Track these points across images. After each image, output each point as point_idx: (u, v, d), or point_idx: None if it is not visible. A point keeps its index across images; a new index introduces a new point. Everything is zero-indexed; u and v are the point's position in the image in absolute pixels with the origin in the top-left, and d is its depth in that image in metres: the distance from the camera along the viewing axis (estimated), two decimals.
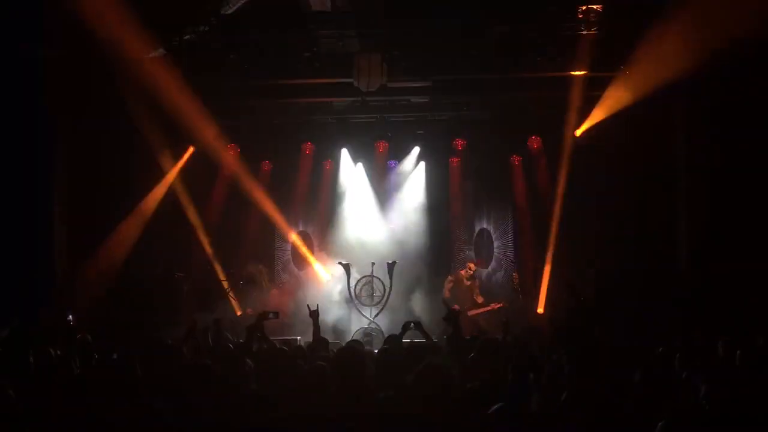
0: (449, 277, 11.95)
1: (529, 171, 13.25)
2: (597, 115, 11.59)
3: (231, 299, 12.07)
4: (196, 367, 4.39)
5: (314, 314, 6.88)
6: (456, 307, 11.31)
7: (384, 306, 11.49)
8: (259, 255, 13.38)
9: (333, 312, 11.79)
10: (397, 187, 13.76)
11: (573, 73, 10.55)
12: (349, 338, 10.41)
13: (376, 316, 11.38)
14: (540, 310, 11.57)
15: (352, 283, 11.80)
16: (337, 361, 4.31)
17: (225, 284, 12.24)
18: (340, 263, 12.15)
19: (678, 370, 5.07)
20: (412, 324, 6.47)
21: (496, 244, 13.65)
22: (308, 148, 13.32)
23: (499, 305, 11.48)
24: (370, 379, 4.32)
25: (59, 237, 10.81)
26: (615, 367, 4.99)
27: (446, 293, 11.59)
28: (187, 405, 3.83)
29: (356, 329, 11.31)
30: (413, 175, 13.73)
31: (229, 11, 10.25)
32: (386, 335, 9.08)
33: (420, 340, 6.80)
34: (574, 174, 12.21)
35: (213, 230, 12.99)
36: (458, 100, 12.56)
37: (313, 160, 13.67)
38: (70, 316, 9.33)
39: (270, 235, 13.88)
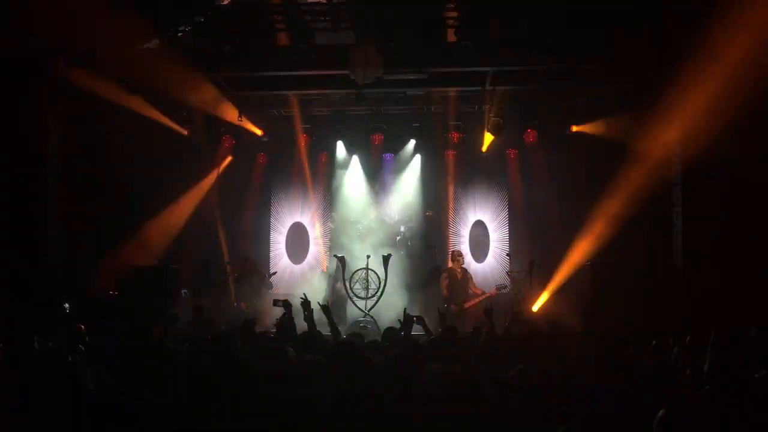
0: (444, 274, 11.96)
1: (525, 164, 13.27)
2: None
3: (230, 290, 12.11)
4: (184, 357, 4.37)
5: (306, 305, 6.42)
6: (453, 308, 11.33)
7: (379, 299, 11.48)
8: (254, 248, 13.41)
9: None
10: (393, 179, 13.75)
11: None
12: (343, 331, 10.39)
13: (371, 309, 11.36)
14: (535, 308, 11.53)
15: (347, 275, 11.79)
16: (334, 355, 4.29)
17: (228, 275, 12.25)
18: (335, 256, 12.16)
19: (674, 363, 5.09)
20: (414, 318, 6.42)
21: (492, 237, 13.67)
22: (304, 140, 13.29)
23: (493, 292, 11.57)
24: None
25: (54, 229, 10.75)
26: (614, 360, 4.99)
27: (444, 291, 11.58)
28: (175, 396, 3.82)
29: (351, 322, 11.30)
30: (409, 168, 13.72)
31: (224, 2, 10.19)
32: (381, 328, 9.08)
33: (420, 333, 6.81)
34: (571, 169, 12.25)
35: (209, 222, 12.99)
36: (454, 92, 12.54)
37: (309, 153, 13.64)
38: (66, 305, 9.30)
39: (266, 228, 13.91)
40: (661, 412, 3.18)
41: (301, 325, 6.47)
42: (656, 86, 9.96)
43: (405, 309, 6.61)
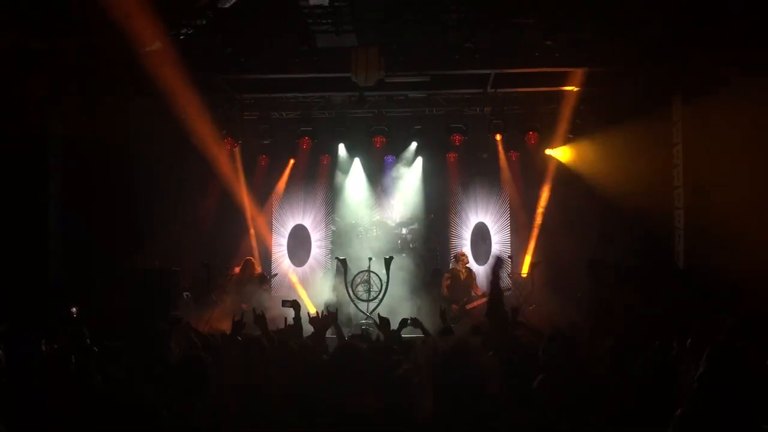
0: (446, 275, 11.97)
1: (526, 166, 13.29)
2: None
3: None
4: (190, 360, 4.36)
5: (294, 304, 6.68)
6: (455, 307, 11.34)
7: (381, 301, 11.48)
8: (255, 249, 13.43)
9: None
10: (395, 182, 13.76)
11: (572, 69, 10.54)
12: (344, 333, 10.37)
13: (372, 311, 11.36)
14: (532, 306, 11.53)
15: (349, 278, 11.80)
16: (336, 358, 4.27)
17: (228, 277, 12.25)
18: (336, 258, 12.17)
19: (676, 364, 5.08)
20: (409, 321, 6.45)
21: (494, 239, 13.68)
22: (306, 142, 13.30)
23: None
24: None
25: (55, 230, 10.77)
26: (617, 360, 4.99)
27: (444, 291, 11.61)
28: (182, 400, 3.83)
29: (353, 325, 11.29)
30: (410, 170, 13.73)
31: (226, 5, 10.20)
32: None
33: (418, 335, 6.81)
34: (572, 170, 12.28)
35: (210, 225, 13.01)
36: (456, 95, 12.56)
37: (311, 155, 13.66)
38: (74, 309, 9.30)
39: (267, 230, 13.91)
40: (679, 411, 3.19)
41: (307, 327, 6.50)
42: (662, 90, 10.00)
43: (379, 314, 6.63)
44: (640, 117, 10.99)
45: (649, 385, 4.19)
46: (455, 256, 12.25)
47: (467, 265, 12.05)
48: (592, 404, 3.81)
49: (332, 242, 13.70)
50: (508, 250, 13.32)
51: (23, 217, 10.14)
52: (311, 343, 5.91)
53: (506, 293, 11.62)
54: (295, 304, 6.67)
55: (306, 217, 14.03)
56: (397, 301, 11.45)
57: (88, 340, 6.24)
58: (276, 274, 13.02)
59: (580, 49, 10.13)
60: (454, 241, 13.77)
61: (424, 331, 6.62)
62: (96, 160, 11.02)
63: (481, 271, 13.31)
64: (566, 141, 12.59)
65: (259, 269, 12.53)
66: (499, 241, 13.62)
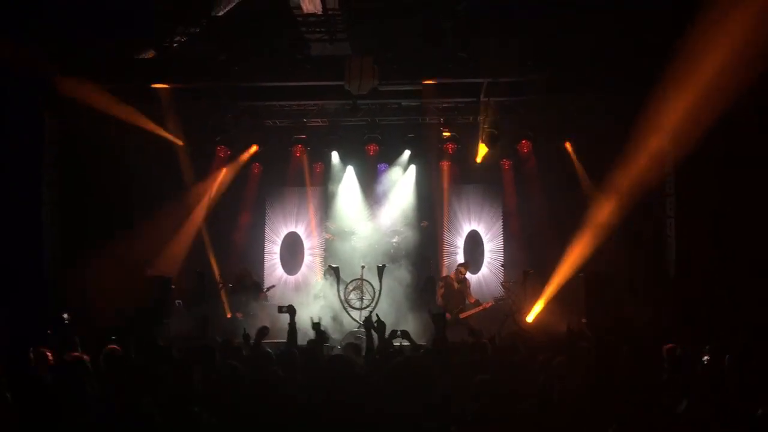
0: (440, 283, 11.97)
1: (519, 175, 13.32)
2: None
3: (223, 301, 12.08)
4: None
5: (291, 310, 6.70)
6: (448, 316, 11.35)
7: (374, 309, 11.46)
8: (248, 259, 13.41)
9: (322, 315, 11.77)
10: (388, 190, 13.76)
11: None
12: (338, 342, 10.36)
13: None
14: (529, 319, 11.52)
15: (342, 286, 11.79)
16: (328, 370, 4.29)
17: (220, 285, 12.25)
18: (330, 266, 12.15)
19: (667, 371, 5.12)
20: (398, 332, 6.47)
21: (486, 247, 13.70)
22: (299, 150, 13.30)
23: (489, 304, 11.55)
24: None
25: (50, 238, 10.74)
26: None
27: (439, 299, 11.60)
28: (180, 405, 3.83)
29: (346, 333, 11.27)
30: (403, 179, 13.74)
31: (220, 13, 10.24)
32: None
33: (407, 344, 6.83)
34: (565, 177, 12.32)
35: (203, 232, 12.99)
36: (449, 104, 12.61)
37: (304, 163, 13.65)
38: (65, 315, 9.26)
39: (260, 238, 13.89)
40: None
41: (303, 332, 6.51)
42: (645, 95, 10.05)
43: (373, 313, 6.62)
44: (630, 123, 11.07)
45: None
46: (457, 268, 12.15)
47: (463, 277, 11.97)
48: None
49: (325, 250, 13.68)
50: (501, 259, 13.34)
51: (19, 219, 10.12)
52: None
53: (499, 302, 11.67)
54: (291, 310, 6.66)
55: (299, 224, 14.02)
56: (389, 309, 11.44)
57: (78, 348, 6.24)
58: (273, 286, 12.94)
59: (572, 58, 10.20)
60: (447, 249, 13.78)
61: (411, 342, 6.66)
62: (93, 162, 11.01)
63: (474, 279, 13.31)
64: (558, 150, 12.63)
65: (249, 276, 12.50)
66: (492, 249, 13.65)
